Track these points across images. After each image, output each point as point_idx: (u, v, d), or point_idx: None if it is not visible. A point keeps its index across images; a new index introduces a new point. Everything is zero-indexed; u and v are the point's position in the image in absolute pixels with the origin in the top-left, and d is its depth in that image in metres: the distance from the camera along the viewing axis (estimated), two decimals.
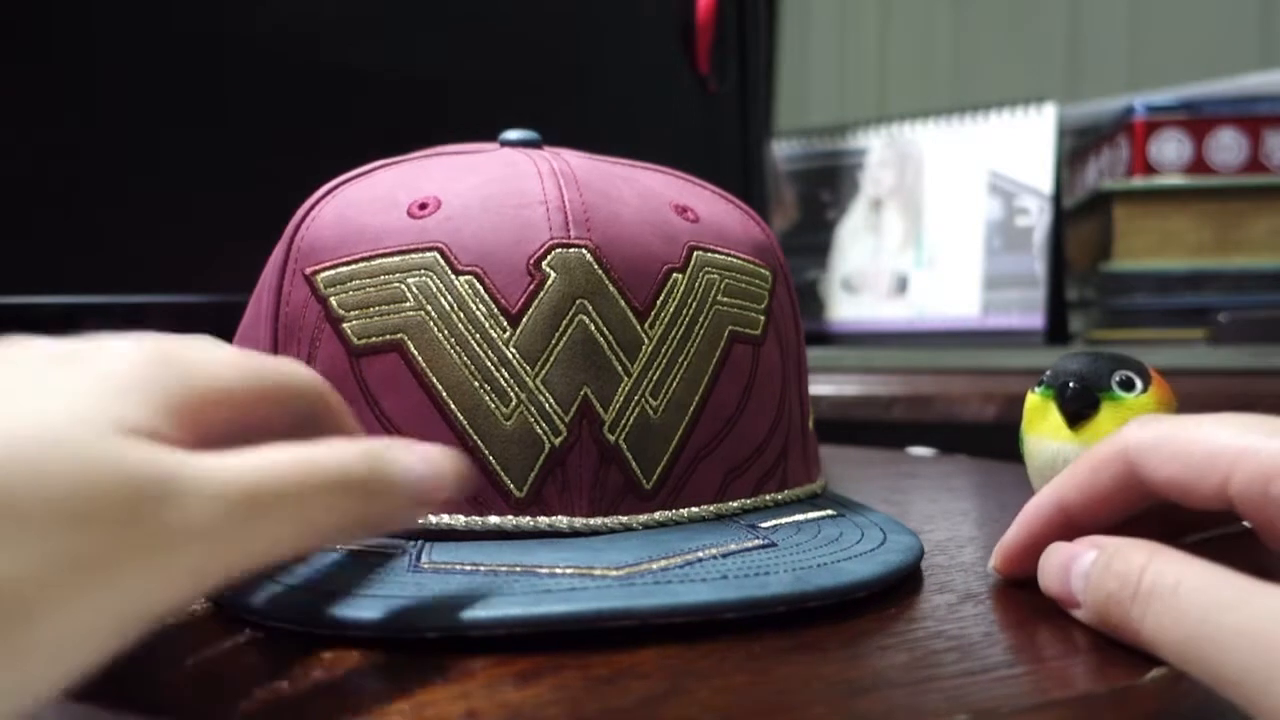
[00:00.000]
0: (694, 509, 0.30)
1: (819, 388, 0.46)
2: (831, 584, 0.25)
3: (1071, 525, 0.26)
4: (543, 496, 0.28)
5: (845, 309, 0.92)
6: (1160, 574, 0.21)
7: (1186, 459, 0.24)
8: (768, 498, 0.32)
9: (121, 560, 0.17)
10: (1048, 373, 0.33)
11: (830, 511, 0.32)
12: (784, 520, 0.30)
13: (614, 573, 0.24)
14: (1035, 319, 0.83)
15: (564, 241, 0.29)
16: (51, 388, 0.18)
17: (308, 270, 0.30)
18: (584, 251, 0.29)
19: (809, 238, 0.94)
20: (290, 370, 0.23)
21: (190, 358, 0.21)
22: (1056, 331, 0.84)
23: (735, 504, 0.31)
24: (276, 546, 0.20)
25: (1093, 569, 0.23)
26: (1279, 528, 0.22)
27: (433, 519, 0.28)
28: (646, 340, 0.29)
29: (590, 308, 0.29)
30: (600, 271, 0.29)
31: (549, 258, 0.29)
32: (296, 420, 0.23)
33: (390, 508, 0.22)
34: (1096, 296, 0.81)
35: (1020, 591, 0.27)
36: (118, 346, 0.20)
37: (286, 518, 0.19)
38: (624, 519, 0.28)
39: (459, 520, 0.28)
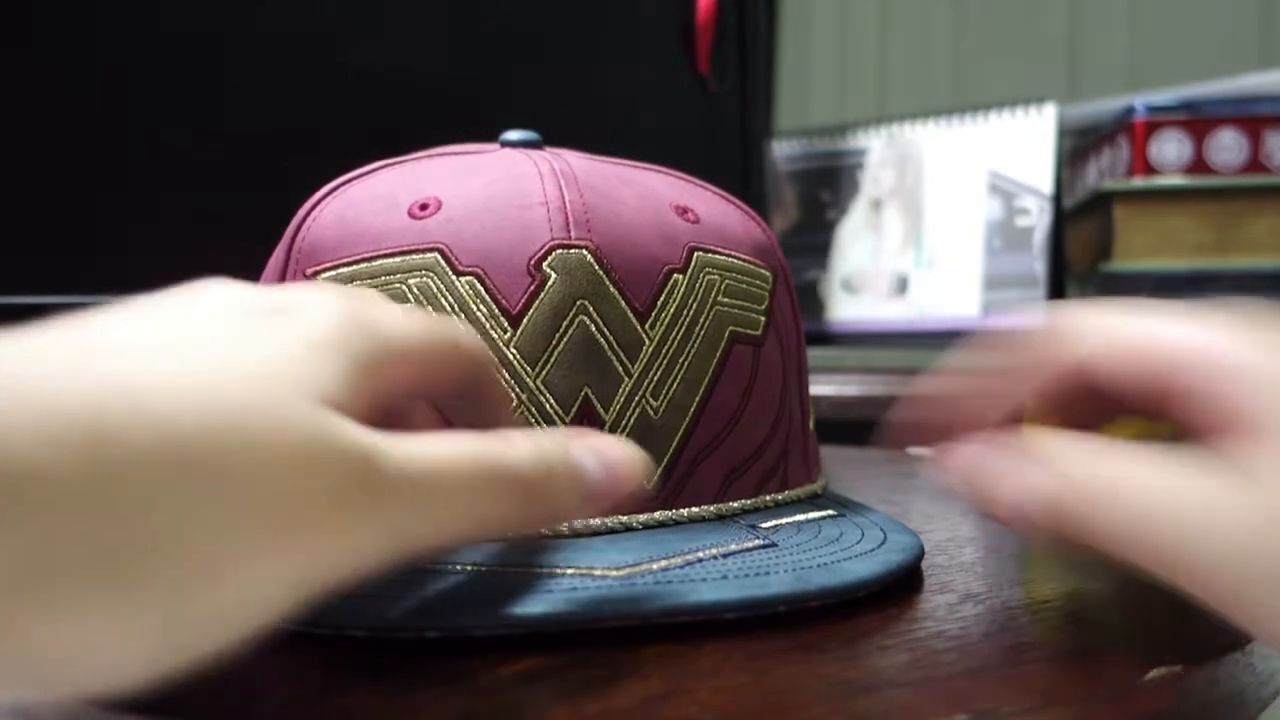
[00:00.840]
0: (695, 509, 0.30)
1: (819, 388, 0.46)
2: (832, 584, 0.25)
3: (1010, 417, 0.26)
4: None
5: (845, 309, 0.92)
6: (1102, 475, 0.22)
7: (1139, 365, 0.23)
8: (768, 498, 0.32)
9: (306, 535, 0.17)
10: None
11: (831, 511, 0.32)
12: (785, 520, 0.30)
13: (615, 573, 0.24)
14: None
15: (565, 242, 0.29)
16: (256, 347, 0.18)
17: (309, 271, 0.30)
18: (585, 252, 0.29)
19: (809, 238, 0.94)
20: (458, 333, 0.23)
21: (379, 319, 0.21)
22: None
23: (736, 504, 0.31)
24: (441, 535, 0.19)
25: (1039, 486, 0.23)
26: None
27: None
28: (647, 341, 0.29)
29: (591, 308, 0.29)
30: (601, 272, 0.29)
31: (550, 259, 0.29)
32: (460, 384, 0.23)
33: (559, 507, 0.22)
34: (1096, 296, 0.81)
35: (1022, 592, 0.27)
36: (315, 304, 0.20)
37: (458, 508, 0.19)
38: (624, 519, 0.28)
39: None
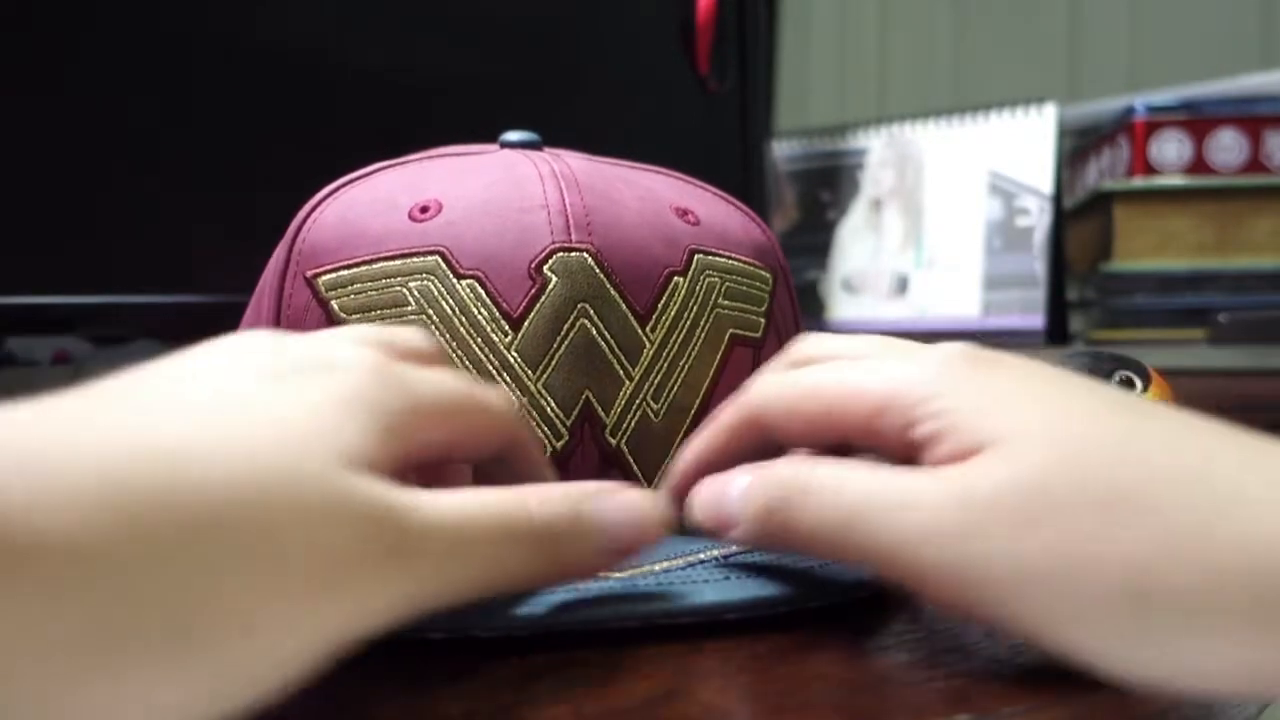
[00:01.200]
0: None
1: None
2: (832, 584, 0.25)
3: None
4: None
5: (845, 309, 0.92)
6: (823, 475, 0.23)
7: (809, 415, 0.25)
8: None
9: (332, 593, 0.17)
10: None
11: None
12: None
13: (616, 574, 0.25)
14: (1035, 319, 0.83)
15: (565, 245, 0.29)
16: (286, 406, 0.19)
17: (309, 273, 0.30)
18: (585, 255, 0.29)
19: (809, 238, 0.94)
20: (490, 396, 0.24)
21: (410, 377, 0.21)
22: (1056, 332, 0.84)
23: None
24: (466, 589, 0.20)
25: (751, 487, 0.24)
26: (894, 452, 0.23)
27: None
28: (648, 344, 0.29)
29: (591, 311, 0.29)
30: (601, 275, 0.29)
31: (550, 261, 0.29)
32: (492, 446, 0.24)
33: (582, 561, 0.22)
34: (1096, 297, 0.81)
35: None
36: (347, 360, 0.21)
37: (483, 565, 0.20)
38: None
39: None
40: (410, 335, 0.24)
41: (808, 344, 0.27)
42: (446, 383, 0.22)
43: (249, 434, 0.18)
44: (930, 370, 0.23)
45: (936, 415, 0.22)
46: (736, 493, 0.24)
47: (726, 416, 0.27)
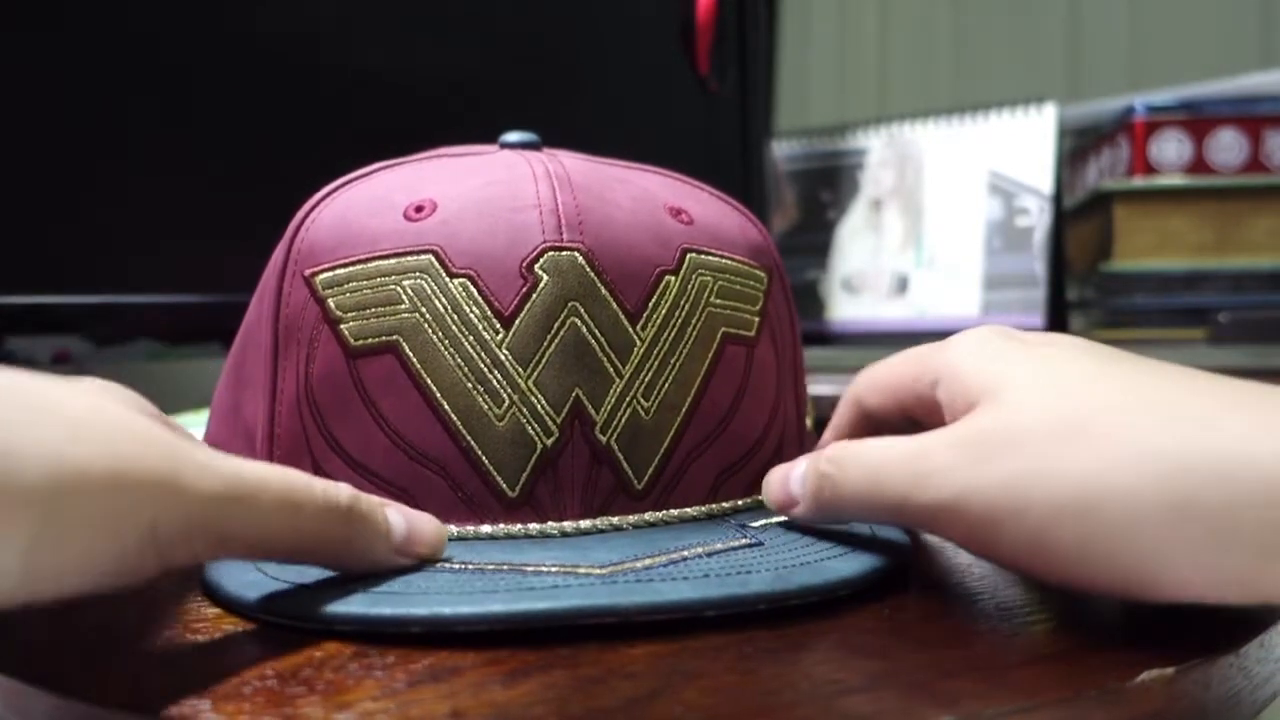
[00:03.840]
0: (685, 509, 0.30)
1: (819, 388, 0.46)
2: (814, 582, 0.25)
3: None
4: (535, 497, 0.28)
5: (845, 309, 0.92)
6: (844, 449, 0.27)
7: (882, 387, 0.31)
8: (761, 498, 0.32)
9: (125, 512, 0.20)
10: None
11: None
12: (775, 519, 0.30)
13: (598, 570, 0.25)
14: (1035, 319, 0.83)
15: (557, 244, 0.29)
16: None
17: (307, 272, 0.31)
18: (576, 254, 0.29)
19: (809, 238, 0.94)
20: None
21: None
22: (1057, 331, 0.84)
23: (727, 504, 0.31)
24: (264, 536, 0.23)
25: (805, 470, 0.28)
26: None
27: None
28: (638, 342, 0.29)
29: (582, 310, 0.29)
30: (592, 274, 0.29)
31: (542, 260, 0.29)
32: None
33: (370, 540, 0.25)
34: (1096, 296, 0.81)
35: (1012, 591, 0.27)
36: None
37: (276, 513, 0.23)
38: (615, 520, 0.29)
39: (451, 530, 0.28)
40: None
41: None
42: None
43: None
44: (960, 342, 0.27)
45: (952, 376, 0.26)
46: (796, 476, 0.28)
47: (842, 398, 0.33)
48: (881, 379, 0.31)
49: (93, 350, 0.66)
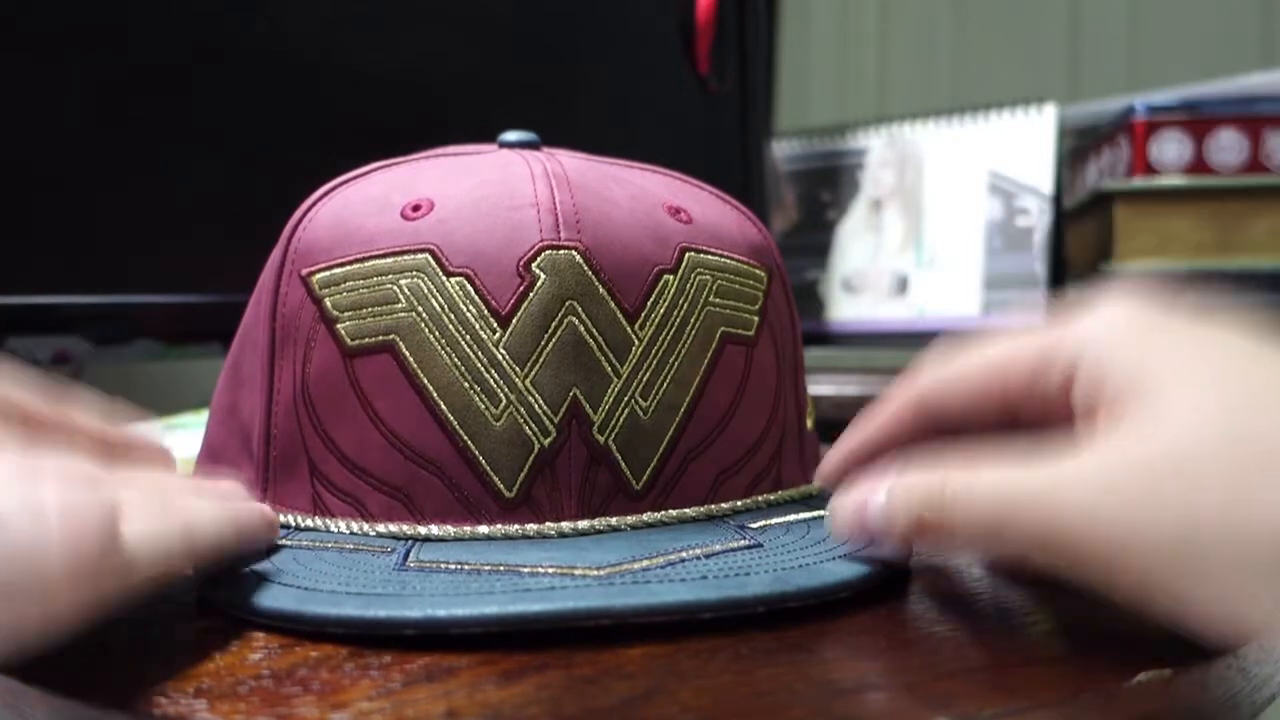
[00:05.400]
0: (683, 510, 0.30)
1: (819, 388, 0.46)
2: (811, 585, 0.25)
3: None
4: (532, 497, 0.28)
5: (845, 309, 0.92)
6: (956, 480, 0.23)
7: (973, 386, 0.26)
8: (760, 498, 0.32)
9: None
10: None
11: (823, 512, 0.32)
12: (775, 521, 0.30)
13: (594, 572, 0.25)
14: (1035, 319, 0.83)
15: (554, 243, 0.29)
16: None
17: (304, 271, 0.31)
18: (574, 253, 0.29)
19: (809, 238, 0.94)
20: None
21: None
22: None
23: (726, 505, 0.31)
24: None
25: (892, 500, 0.24)
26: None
27: (421, 529, 0.28)
28: (636, 341, 0.29)
29: (579, 309, 0.29)
30: (590, 273, 0.29)
31: (539, 259, 0.29)
32: None
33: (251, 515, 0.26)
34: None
35: (1010, 593, 0.27)
36: None
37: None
38: (613, 521, 0.28)
39: (448, 531, 0.28)
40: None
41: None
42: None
43: None
44: (1085, 330, 0.24)
45: (1094, 372, 0.22)
46: (875, 509, 0.25)
47: (891, 402, 0.28)
48: (970, 378, 0.26)
49: (92, 350, 0.66)
